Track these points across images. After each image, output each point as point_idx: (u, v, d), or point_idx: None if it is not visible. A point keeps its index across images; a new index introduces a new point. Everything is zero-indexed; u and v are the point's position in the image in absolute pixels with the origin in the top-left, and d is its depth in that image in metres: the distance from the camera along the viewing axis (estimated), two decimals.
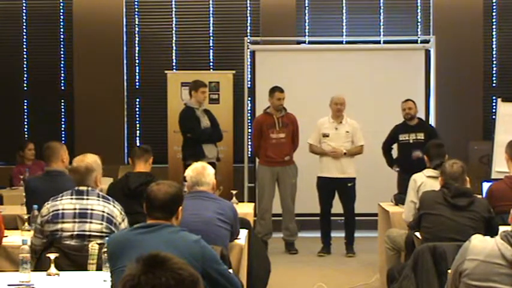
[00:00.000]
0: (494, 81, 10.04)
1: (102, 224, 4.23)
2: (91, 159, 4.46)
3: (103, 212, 4.28)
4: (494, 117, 8.75)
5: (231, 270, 4.01)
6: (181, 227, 3.50)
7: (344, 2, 10.03)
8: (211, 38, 10.10)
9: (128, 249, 3.32)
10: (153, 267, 1.81)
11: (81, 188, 4.37)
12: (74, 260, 4.17)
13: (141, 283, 1.78)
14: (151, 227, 3.42)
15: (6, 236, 4.84)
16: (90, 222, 4.24)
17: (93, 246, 4.06)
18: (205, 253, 3.38)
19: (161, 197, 3.45)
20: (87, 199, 4.33)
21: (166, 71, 9.56)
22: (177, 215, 3.51)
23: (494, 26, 9.98)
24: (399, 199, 6.47)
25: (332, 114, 8.11)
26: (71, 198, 4.33)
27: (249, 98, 9.40)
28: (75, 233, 4.25)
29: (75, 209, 4.29)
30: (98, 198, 4.35)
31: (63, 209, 4.29)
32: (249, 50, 9.41)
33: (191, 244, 3.35)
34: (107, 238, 3.69)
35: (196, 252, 3.32)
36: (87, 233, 4.22)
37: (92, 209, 4.28)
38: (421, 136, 7.98)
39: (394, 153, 8.36)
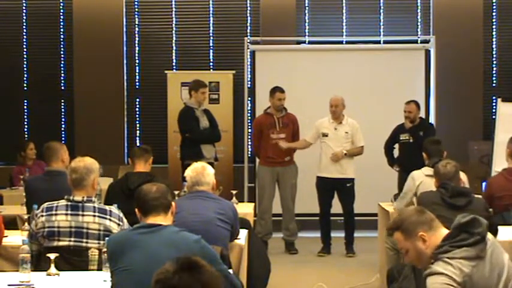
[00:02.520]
0: (494, 81, 10.04)
1: (99, 242, 4.18)
2: (90, 161, 4.43)
3: (99, 230, 4.19)
4: (494, 117, 8.75)
5: (231, 270, 4.01)
6: (180, 227, 3.50)
7: (344, 2, 10.03)
8: (211, 38, 10.10)
9: (129, 249, 3.32)
10: (188, 267, 1.94)
11: (76, 197, 4.25)
12: (73, 264, 4.15)
13: (175, 280, 1.93)
14: (152, 227, 3.41)
15: (6, 236, 4.83)
16: (87, 243, 4.20)
17: (93, 252, 4.04)
18: (206, 253, 3.37)
19: (155, 190, 3.50)
20: (83, 215, 4.22)
21: (166, 71, 9.56)
22: (172, 209, 3.54)
23: (494, 26, 9.98)
24: None
25: (331, 115, 8.11)
26: (66, 214, 4.23)
27: (249, 98, 9.40)
28: (72, 248, 4.22)
29: (70, 226, 4.21)
30: (93, 213, 4.23)
31: (58, 227, 4.21)
32: (249, 50, 9.41)
33: (191, 244, 3.35)
34: (107, 238, 3.68)
35: (197, 253, 3.31)
36: (84, 249, 4.18)
37: (87, 228, 4.20)
38: (420, 134, 7.98)
39: (396, 152, 8.38)
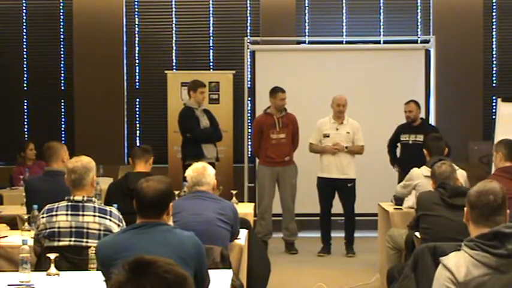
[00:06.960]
0: (494, 81, 10.04)
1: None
2: (87, 159, 4.44)
3: (99, 230, 4.20)
4: (494, 117, 8.75)
5: (230, 270, 4.01)
6: (180, 228, 3.46)
7: (344, 2, 10.02)
8: (211, 38, 10.10)
9: (120, 253, 3.21)
10: (137, 273, 1.76)
11: (76, 197, 4.26)
12: (74, 262, 4.15)
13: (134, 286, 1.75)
14: (142, 226, 3.32)
15: (6, 236, 4.84)
16: (87, 242, 4.20)
17: (93, 251, 4.04)
18: (199, 249, 3.33)
19: (151, 195, 3.31)
20: (83, 215, 4.22)
21: (166, 71, 9.56)
22: (168, 210, 3.38)
23: (494, 26, 9.98)
24: (399, 199, 6.47)
25: (333, 115, 8.10)
26: (66, 215, 4.23)
27: (249, 98, 9.40)
28: (72, 246, 4.21)
29: (71, 227, 4.21)
30: (93, 213, 4.23)
31: (58, 227, 4.22)
32: (249, 50, 9.41)
33: (184, 241, 3.30)
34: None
35: (190, 249, 3.28)
36: (84, 248, 4.17)
37: (87, 228, 4.21)
38: (420, 138, 7.91)
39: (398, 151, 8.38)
